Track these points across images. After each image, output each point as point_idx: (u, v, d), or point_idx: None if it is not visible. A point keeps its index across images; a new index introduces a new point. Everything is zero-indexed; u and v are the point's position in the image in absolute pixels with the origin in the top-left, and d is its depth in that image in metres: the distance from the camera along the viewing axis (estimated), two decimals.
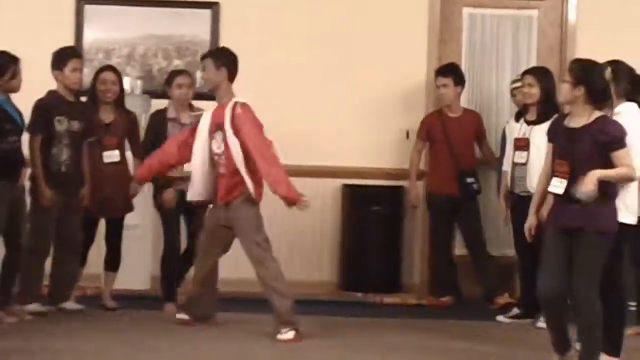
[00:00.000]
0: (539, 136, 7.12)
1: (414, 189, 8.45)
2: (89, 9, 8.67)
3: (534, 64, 8.56)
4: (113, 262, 7.68)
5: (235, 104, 6.85)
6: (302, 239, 8.62)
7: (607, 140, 5.69)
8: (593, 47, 8.17)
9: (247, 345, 6.59)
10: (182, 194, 7.33)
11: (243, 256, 6.90)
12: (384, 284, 8.52)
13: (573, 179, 5.71)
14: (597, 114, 5.78)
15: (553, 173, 5.85)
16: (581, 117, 5.79)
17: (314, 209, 8.51)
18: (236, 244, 7.00)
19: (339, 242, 8.66)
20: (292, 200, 6.73)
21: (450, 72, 8.30)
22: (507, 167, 7.77)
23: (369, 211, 8.55)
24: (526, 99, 7.63)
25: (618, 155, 5.69)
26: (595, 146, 5.69)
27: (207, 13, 8.71)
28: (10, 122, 7.08)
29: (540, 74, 7.66)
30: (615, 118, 5.98)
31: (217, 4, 8.71)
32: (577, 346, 5.92)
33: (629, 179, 5.77)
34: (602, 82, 5.79)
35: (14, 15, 8.57)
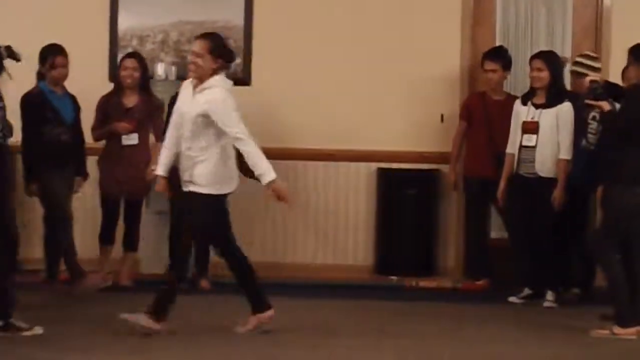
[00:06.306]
0: (547, 119, 7.53)
1: (454, 170, 8.40)
2: None
3: (568, 45, 8.51)
4: (130, 242, 7.97)
5: None
6: (337, 222, 8.63)
7: None
8: (628, 28, 8.13)
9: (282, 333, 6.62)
10: None
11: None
12: (419, 267, 8.52)
13: None
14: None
15: None
16: None
17: (348, 193, 8.60)
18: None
19: (373, 225, 8.66)
20: None
21: (500, 56, 8.24)
22: (511, 149, 7.76)
23: (404, 194, 8.54)
24: (534, 83, 7.68)
25: None
26: None
27: None
28: (52, 112, 7.22)
29: (548, 57, 7.71)
30: None
31: None
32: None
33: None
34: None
35: (48, 3, 8.63)
